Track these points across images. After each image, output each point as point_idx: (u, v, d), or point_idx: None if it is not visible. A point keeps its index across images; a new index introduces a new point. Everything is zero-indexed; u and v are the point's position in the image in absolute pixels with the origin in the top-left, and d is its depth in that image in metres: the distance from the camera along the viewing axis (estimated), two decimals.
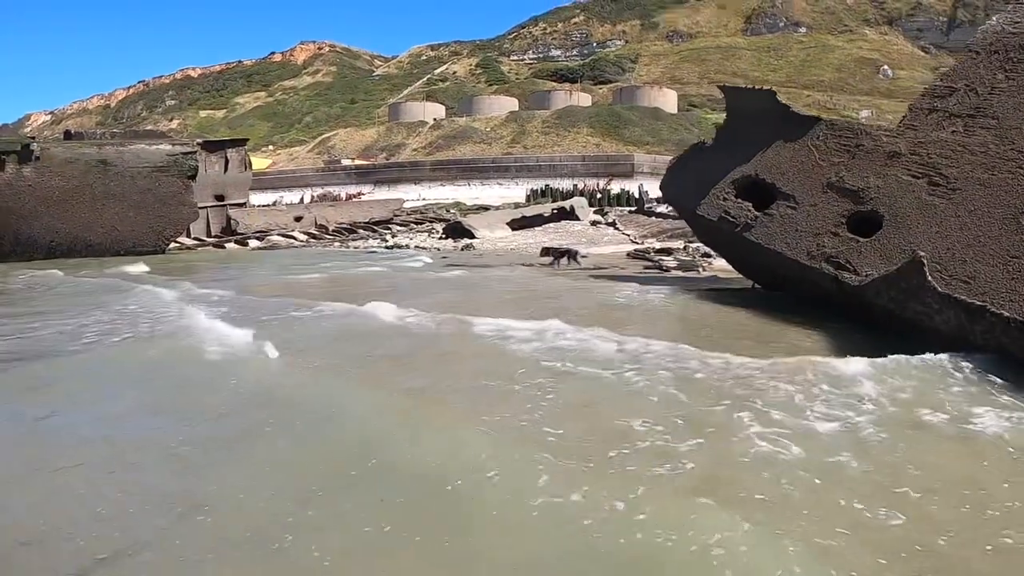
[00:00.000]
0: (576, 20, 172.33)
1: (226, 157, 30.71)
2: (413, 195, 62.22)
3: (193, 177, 25.00)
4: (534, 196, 59.27)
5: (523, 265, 19.01)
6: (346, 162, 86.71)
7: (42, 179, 22.37)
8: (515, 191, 66.12)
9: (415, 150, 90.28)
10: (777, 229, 10.31)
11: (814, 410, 5.14)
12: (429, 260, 20.92)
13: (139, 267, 19.08)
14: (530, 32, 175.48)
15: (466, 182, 72.92)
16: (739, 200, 11.19)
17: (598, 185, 63.68)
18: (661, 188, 14.55)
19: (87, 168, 23.07)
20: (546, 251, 19.90)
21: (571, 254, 19.09)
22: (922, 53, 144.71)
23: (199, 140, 29.54)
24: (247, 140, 33.46)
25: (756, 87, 13.25)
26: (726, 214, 11.23)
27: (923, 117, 9.83)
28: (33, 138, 23.50)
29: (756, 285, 12.81)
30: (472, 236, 29.22)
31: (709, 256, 19.55)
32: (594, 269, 17.43)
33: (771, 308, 10.34)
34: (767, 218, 10.54)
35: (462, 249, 25.72)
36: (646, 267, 17.93)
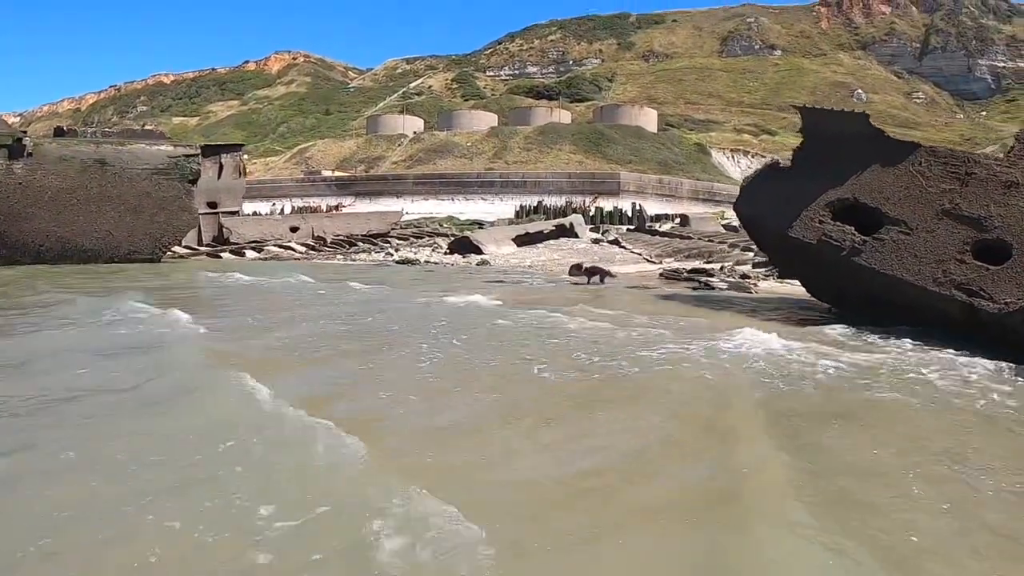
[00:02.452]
0: (552, 38, 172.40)
1: (220, 163, 29.19)
2: (396, 208, 60.98)
3: (194, 181, 23.38)
4: (524, 212, 58.33)
5: (570, 283, 18.27)
6: (326, 173, 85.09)
7: (34, 177, 20.70)
8: (500, 207, 65.19)
9: (395, 163, 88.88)
10: (892, 255, 10.30)
11: None
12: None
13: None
14: (506, 48, 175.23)
15: (450, 197, 71.65)
16: (838, 223, 11.12)
17: (584, 203, 62.93)
18: (735, 208, 14.35)
19: (83, 167, 21.38)
20: (577, 269, 19.51)
21: (602, 273, 18.77)
22: (895, 78, 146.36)
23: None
24: (243, 145, 31.91)
25: (843, 109, 12.82)
26: (826, 237, 11.13)
27: None
28: (25, 132, 21.63)
29: (832, 308, 12.54)
30: (480, 252, 28.05)
31: (749, 277, 19.01)
32: (643, 289, 16.52)
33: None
34: (878, 243, 10.51)
35: (477, 265, 24.48)
36: (695, 288, 17.01)
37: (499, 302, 12.17)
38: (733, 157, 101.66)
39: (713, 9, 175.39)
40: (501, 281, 17.99)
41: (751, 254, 25.74)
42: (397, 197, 71.31)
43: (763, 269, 21.47)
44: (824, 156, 11.85)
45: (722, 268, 21.20)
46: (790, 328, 10.04)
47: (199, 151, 24.38)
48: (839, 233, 10.92)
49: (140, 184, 22.12)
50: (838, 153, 11.59)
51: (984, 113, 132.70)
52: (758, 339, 8.56)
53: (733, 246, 28.38)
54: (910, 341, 9.20)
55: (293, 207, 66.31)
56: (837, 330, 9.94)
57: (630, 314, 11.13)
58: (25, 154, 20.49)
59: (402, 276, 19.92)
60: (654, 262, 25.95)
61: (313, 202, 71.11)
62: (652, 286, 17.56)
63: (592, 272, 18.77)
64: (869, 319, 10.60)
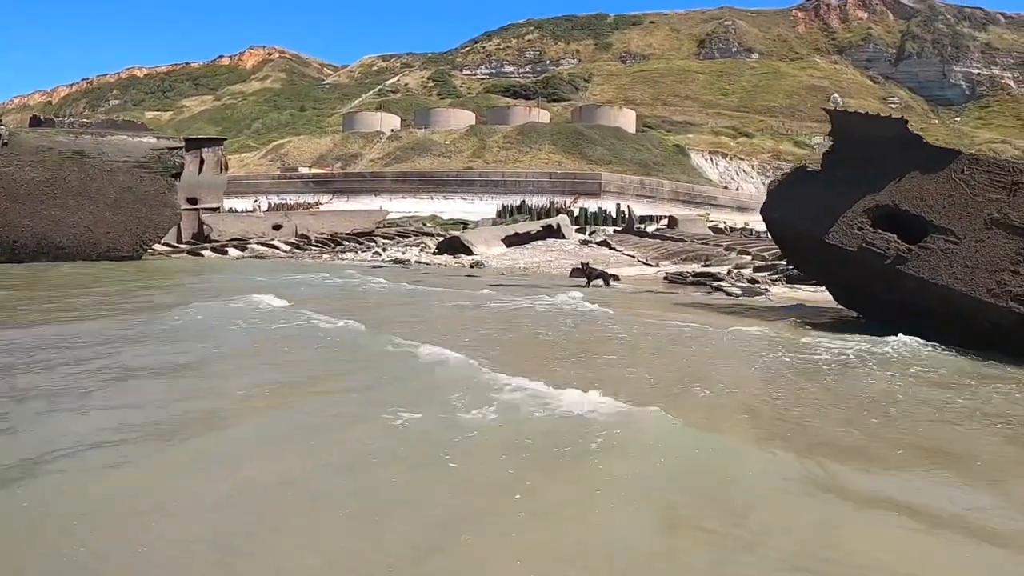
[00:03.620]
0: (529, 37, 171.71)
1: (201, 157, 28.13)
2: (374, 206, 59.95)
3: (178, 176, 22.29)
4: (506, 212, 57.47)
5: (578, 288, 17.39)
6: (303, 170, 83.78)
7: (9, 169, 19.54)
8: (480, 206, 64.34)
9: (372, 160, 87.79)
10: (941, 264, 10.07)
11: None
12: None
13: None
14: (483, 47, 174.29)
15: (429, 195, 70.70)
16: (879, 231, 10.89)
17: (565, 203, 62.30)
18: (763, 212, 13.86)
19: (61, 159, 20.24)
20: (579, 271, 18.85)
21: (605, 276, 18.26)
22: (871, 83, 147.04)
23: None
24: (224, 139, 30.86)
25: (878, 114, 12.36)
26: (868, 245, 10.85)
27: None
28: None
29: (860, 316, 12.43)
30: (470, 252, 27.28)
31: (757, 281, 18.55)
32: (656, 293, 15.87)
33: None
34: (924, 252, 10.27)
35: (471, 266, 23.70)
36: (708, 292, 16.39)
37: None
38: (711, 159, 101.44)
39: (690, 11, 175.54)
40: (507, 285, 17.20)
41: (748, 257, 25.26)
42: (375, 195, 70.22)
43: (765, 273, 20.99)
44: (857, 161, 11.57)
45: (728, 273, 20.64)
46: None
47: (183, 144, 23.30)
48: (881, 241, 10.68)
49: (121, 178, 21.02)
50: (872, 158, 11.33)
51: (959, 119, 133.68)
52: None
53: (729, 249, 27.81)
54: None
55: (270, 204, 65.18)
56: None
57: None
58: (0, 144, 19.41)
59: (432, 278, 19.21)
60: (650, 265, 25.34)
61: (290, 199, 69.95)
62: (664, 291, 16.98)
63: (594, 275, 18.13)
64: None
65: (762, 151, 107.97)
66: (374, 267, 23.01)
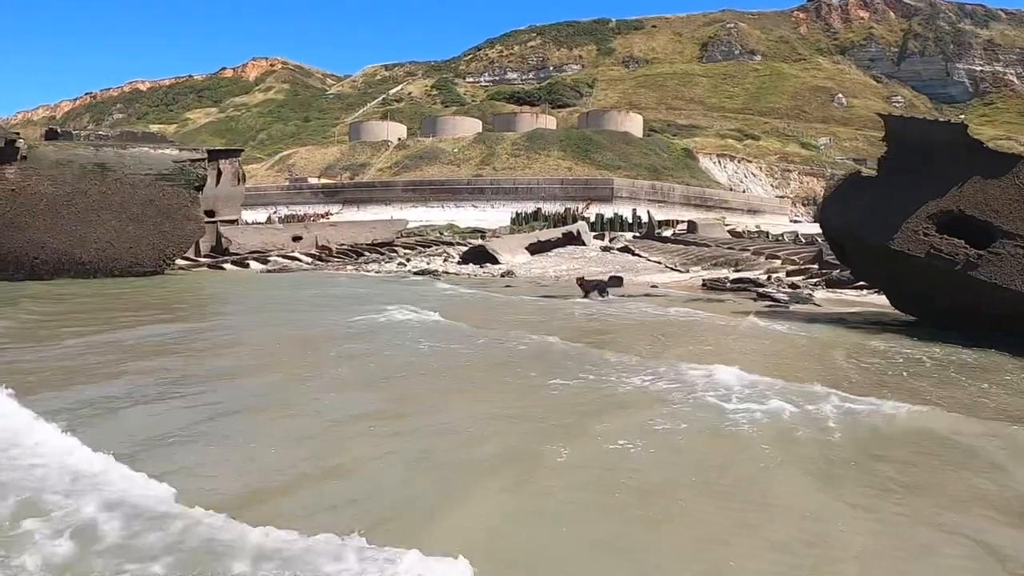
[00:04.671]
0: (532, 44, 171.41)
1: (219, 168, 27.61)
2: (385, 216, 59.50)
3: (200, 188, 21.79)
4: (521, 219, 56.95)
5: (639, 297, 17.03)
6: (312, 181, 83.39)
7: (28, 183, 19.00)
8: (492, 214, 63.92)
9: (380, 170, 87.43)
10: (1013, 269, 10.10)
11: None
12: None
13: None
14: (486, 54, 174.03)
15: (440, 204, 70.19)
16: (945, 236, 10.76)
17: (578, 209, 61.87)
18: (820, 220, 13.89)
19: (82, 172, 19.68)
20: (593, 286, 17.86)
21: (600, 288, 17.11)
22: (874, 82, 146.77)
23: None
24: (241, 151, 30.41)
25: (936, 119, 12.27)
26: (935, 250, 10.73)
27: None
28: (18, 134, 19.76)
29: (917, 320, 12.31)
30: (496, 261, 26.82)
31: (798, 287, 18.15)
32: (708, 301, 15.41)
33: None
34: (995, 257, 10.26)
35: (501, 275, 23.25)
36: (753, 299, 15.94)
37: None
38: (720, 162, 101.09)
39: (692, 15, 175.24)
40: (557, 296, 16.66)
41: (778, 262, 24.78)
42: (386, 204, 69.88)
43: (800, 277, 20.59)
44: (915, 166, 11.46)
45: (768, 278, 20.19)
46: None
47: (206, 155, 22.77)
48: (950, 247, 10.62)
49: (143, 191, 20.48)
50: (931, 164, 11.24)
51: (963, 116, 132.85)
52: None
53: (757, 253, 27.29)
54: None
55: (279, 216, 64.91)
56: None
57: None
58: (19, 157, 18.88)
59: (486, 288, 18.84)
60: (681, 271, 24.87)
61: (300, 210, 69.63)
62: (713, 298, 16.64)
63: (591, 286, 17.03)
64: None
65: (769, 153, 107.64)
66: (401, 277, 22.54)
